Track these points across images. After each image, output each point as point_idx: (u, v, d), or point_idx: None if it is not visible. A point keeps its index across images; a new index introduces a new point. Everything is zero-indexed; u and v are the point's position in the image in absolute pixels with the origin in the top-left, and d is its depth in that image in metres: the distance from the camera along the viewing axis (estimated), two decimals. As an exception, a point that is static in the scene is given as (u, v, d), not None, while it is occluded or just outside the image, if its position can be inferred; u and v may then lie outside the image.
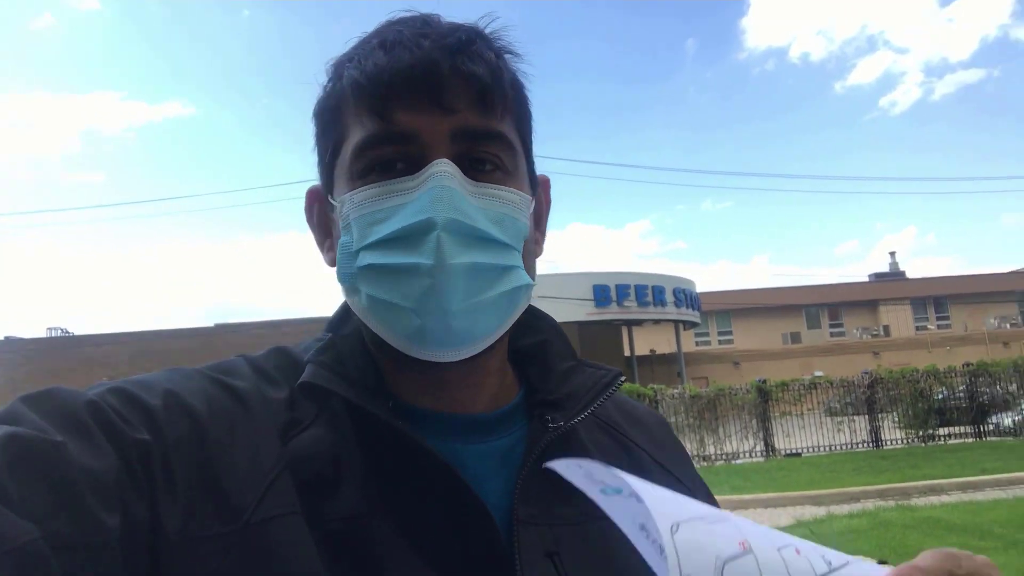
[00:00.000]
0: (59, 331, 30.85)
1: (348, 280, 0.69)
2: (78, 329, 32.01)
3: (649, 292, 27.49)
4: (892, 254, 49.42)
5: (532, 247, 0.75)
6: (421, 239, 0.64)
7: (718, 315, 40.94)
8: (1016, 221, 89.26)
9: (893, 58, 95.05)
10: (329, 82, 0.73)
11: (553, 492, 0.68)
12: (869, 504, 10.31)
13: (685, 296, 29.14)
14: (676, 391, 17.44)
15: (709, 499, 0.82)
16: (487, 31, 0.73)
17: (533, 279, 0.73)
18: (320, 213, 0.78)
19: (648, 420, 0.88)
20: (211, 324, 30.37)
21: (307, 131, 0.77)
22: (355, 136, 0.69)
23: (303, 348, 0.75)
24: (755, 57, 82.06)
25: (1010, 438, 16.80)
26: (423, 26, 0.69)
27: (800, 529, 7.90)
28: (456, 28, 0.70)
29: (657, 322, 29.36)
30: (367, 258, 0.67)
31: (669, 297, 28.27)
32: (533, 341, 0.82)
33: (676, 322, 30.13)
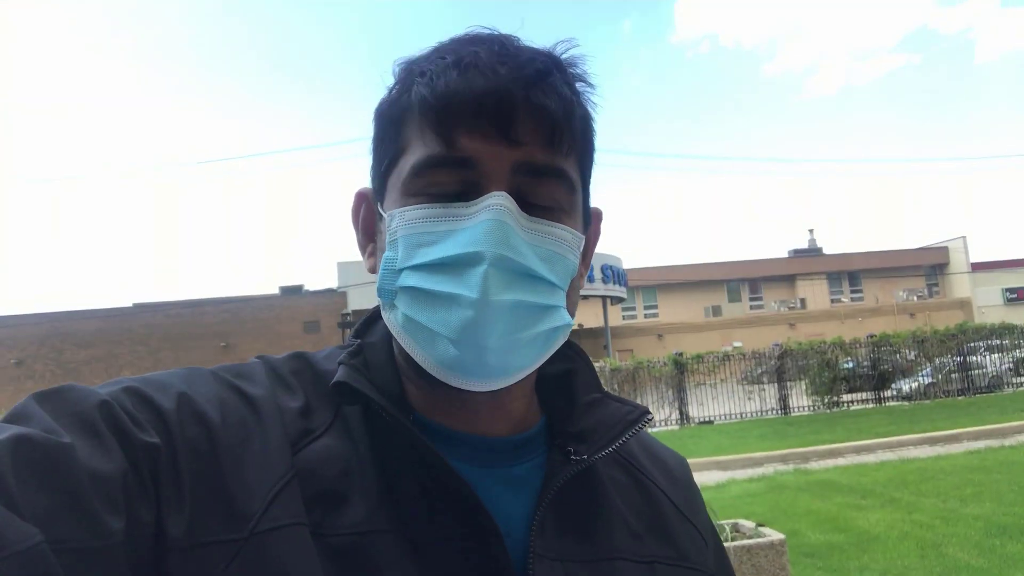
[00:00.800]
0: (-37, 312, 29.30)
1: (387, 296, 0.69)
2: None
3: (577, 268, 27.90)
4: (811, 231, 51.64)
5: (577, 282, 0.74)
6: (467, 270, 0.63)
7: (644, 290, 41.89)
8: (926, 201, 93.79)
9: (821, 42, 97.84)
10: (396, 86, 0.71)
11: (569, 527, 0.69)
12: (771, 469, 10.85)
13: (613, 272, 29.77)
14: (599, 364, 17.91)
15: (716, 543, 0.83)
16: (564, 56, 0.71)
17: (574, 316, 0.72)
18: (367, 217, 0.77)
19: (669, 460, 0.86)
20: (129, 304, 29.36)
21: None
22: (415, 153, 0.67)
23: (324, 355, 0.75)
24: (688, 41, 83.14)
25: (906, 403, 17.96)
26: (501, 50, 0.67)
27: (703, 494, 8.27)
28: (534, 57, 0.67)
29: (586, 297, 29.86)
30: (409, 279, 0.66)
31: (597, 274, 28.80)
32: (560, 369, 0.80)
33: (604, 297, 30.75)
